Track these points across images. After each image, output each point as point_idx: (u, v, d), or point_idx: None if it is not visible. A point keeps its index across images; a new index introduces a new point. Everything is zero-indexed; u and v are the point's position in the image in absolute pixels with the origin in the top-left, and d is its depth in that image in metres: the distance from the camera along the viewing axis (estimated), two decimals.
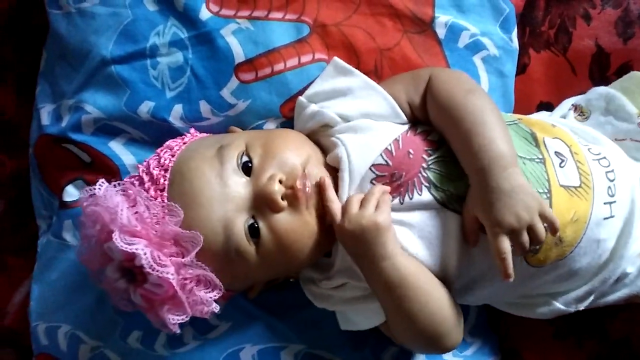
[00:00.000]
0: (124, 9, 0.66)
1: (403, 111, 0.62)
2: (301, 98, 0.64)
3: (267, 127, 0.67)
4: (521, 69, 0.77)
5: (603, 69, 0.76)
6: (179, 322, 0.54)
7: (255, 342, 0.67)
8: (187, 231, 0.53)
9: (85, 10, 0.66)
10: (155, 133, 0.68)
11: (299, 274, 0.65)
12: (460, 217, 0.57)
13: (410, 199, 0.57)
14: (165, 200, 0.55)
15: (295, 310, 0.67)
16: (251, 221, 0.56)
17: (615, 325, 0.75)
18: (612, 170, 0.61)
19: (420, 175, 0.58)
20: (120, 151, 0.68)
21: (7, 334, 0.76)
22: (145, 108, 0.66)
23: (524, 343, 0.77)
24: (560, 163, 0.59)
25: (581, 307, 0.64)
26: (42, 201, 0.73)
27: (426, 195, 0.57)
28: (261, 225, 0.56)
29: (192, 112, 0.66)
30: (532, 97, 0.75)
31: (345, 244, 0.57)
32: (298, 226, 0.56)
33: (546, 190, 0.58)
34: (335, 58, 0.64)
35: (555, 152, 0.60)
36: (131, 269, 0.53)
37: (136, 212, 0.52)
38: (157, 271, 0.51)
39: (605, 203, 0.59)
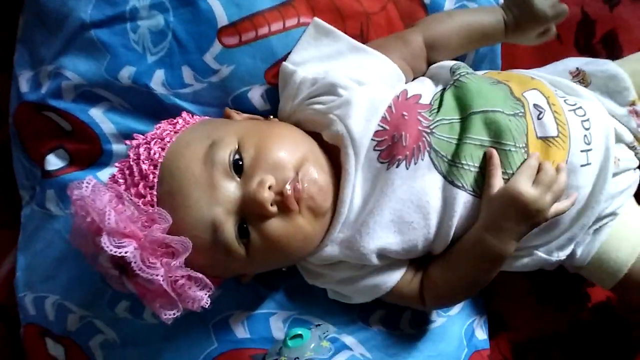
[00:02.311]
0: None
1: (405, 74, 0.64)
2: (286, 64, 0.63)
3: (252, 95, 0.66)
4: None
5: (588, 37, 0.76)
6: (171, 317, 0.54)
7: (244, 308, 0.68)
8: (176, 237, 0.52)
9: None
10: (136, 100, 0.66)
11: None
12: (460, 192, 0.58)
13: (415, 164, 0.58)
14: (154, 199, 0.54)
15: (285, 277, 0.67)
16: (240, 223, 0.55)
17: (595, 289, 0.77)
18: (588, 119, 0.62)
19: (424, 139, 0.58)
20: (100, 119, 0.67)
21: None
22: (127, 73, 0.65)
23: (506, 307, 0.79)
24: (539, 115, 0.61)
25: (562, 255, 0.65)
26: (24, 171, 0.72)
27: (427, 160, 0.58)
28: (251, 229, 0.55)
29: (174, 77, 0.65)
30: (518, 65, 0.75)
31: (495, 206, 0.57)
32: (289, 231, 0.56)
33: (524, 145, 0.59)
34: (316, 19, 0.63)
35: (534, 104, 0.61)
36: (122, 264, 0.53)
37: (125, 211, 0.52)
38: (147, 273, 0.51)
39: (582, 151, 0.61)
